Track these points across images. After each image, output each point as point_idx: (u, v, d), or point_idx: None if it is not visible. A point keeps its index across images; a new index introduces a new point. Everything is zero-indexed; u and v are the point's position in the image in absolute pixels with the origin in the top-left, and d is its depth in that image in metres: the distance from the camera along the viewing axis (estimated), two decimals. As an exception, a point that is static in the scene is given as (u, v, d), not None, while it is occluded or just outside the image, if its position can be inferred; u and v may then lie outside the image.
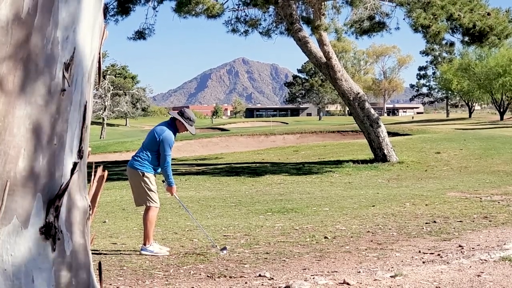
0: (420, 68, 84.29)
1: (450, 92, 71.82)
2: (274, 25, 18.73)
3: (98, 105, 62.59)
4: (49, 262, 2.00)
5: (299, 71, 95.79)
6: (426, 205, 9.22)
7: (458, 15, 15.55)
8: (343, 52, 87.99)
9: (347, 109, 40.27)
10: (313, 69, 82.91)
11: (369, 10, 16.91)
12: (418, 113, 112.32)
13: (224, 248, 6.15)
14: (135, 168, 6.27)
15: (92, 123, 40.22)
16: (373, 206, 9.27)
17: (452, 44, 20.87)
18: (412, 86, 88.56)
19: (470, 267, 4.96)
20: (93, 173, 2.51)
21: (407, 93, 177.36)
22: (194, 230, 7.46)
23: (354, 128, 29.15)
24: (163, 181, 6.56)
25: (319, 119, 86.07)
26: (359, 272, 5.03)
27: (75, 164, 2.10)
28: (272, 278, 4.97)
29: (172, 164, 6.42)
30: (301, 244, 6.53)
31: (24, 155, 1.91)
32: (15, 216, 1.91)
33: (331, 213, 8.71)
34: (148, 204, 6.26)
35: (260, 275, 5.09)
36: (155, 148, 6.27)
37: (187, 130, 6.44)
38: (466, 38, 16.77)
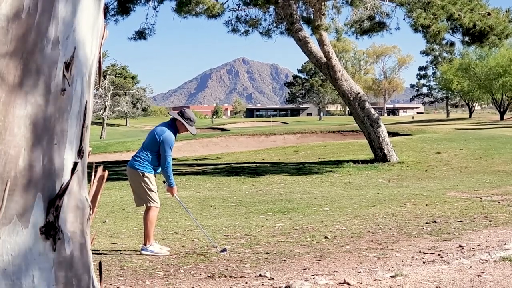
0: (420, 68, 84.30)
1: (450, 92, 71.82)
2: (274, 25, 18.72)
3: (98, 105, 62.60)
4: (49, 262, 2.00)
5: (299, 71, 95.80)
6: (426, 205, 9.22)
7: (458, 15, 15.55)
8: (343, 52, 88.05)
9: (347, 109, 40.25)
10: (313, 69, 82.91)
11: (369, 10, 16.91)
12: (418, 113, 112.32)
13: (224, 250, 6.14)
14: (135, 168, 6.27)
15: (92, 123, 40.20)
16: (374, 206, 9.27)
17: (452, 44, 20.85)
18: (412, 86, 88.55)
19: (471, 267, 4.96)
20: (93, 173, 2.51)
21: (407, 93, 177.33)
22: (194, 230, 7.46)
23: (354, 128, 29.15)
24: (164, 182, 6.56)
25: (319, 119, 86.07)
26: (360, 272, 5.03)
27: (75, 164, 2.10)
28: (273, 278, 4.97)
29: (172, 164, 6.41)
30: (301, 244, 6.53)
31: (24, 154, 1.91)
32: (15, 216, 1.91)
33: (331, 213, 8.71)
34: (148, 204, 6.26)
35: (260, 275, 5.09)
36: (155, 149, 6.26)
37: (187, 130, 6.43)
38: (466, 38, 16.76)
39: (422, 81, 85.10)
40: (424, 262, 5.37)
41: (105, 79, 62.63)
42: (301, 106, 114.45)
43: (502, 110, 59.06)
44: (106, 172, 2.60)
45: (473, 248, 5.88)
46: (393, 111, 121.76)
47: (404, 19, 16.10)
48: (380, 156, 17.10)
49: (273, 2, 16.31)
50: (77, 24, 2.06)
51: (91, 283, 2.20)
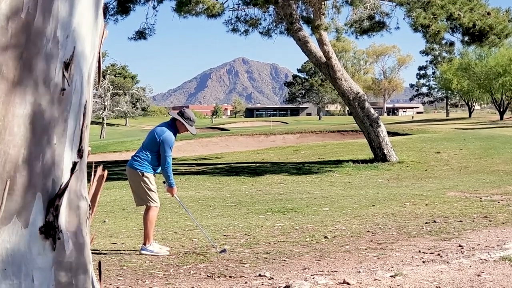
0: (420, 68, 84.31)
1: (450, 91, 71.83)
2: (274, 24, 18.72)
3: (98, 104, 62.59)
4: (49, 262, 2.00)
5: (299, 70, 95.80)
6: (426, 204, 9.22)
7: (458, 14, 15.55)
8: (343, 51, 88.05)
9: (347, 108, 40.29)
10: (313, 68, 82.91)
11: (369, 9, 16.91)
12: (418, 112, 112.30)
13: (224, 250, 6.13)
14: (134, 168, 6.27)
15: (92, 122, 40.23)
16: (373, 205, 9.27)
17: (452, 43, 20.87)
18: (412, 85, 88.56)
19: (470, 266, 4.96)
20: (93, 173, 2.51)
21: (407, 92, 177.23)
22: (194, 229, 7.46)
23: (354, 128, 29.15)
24: (164, 182, 6.56)
25: (319, 118, 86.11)
26: (359, 271, 5.03)
27: (75, 164, 2.10)
28: (272, 278, 4.97)
29: (172, 164, 6.42)
30: (301, 243, 6.52)
31: (24, 154, 1.91)
32: (15, 216, 1.91)
33: (331, 212, 8.71)
34: (148, 204, 6.26)
35: (260, 275, 5.09)
36: (155, 149, 6.26)
37: (187, 130, 6.43)
38: (466, 38, 16.77)
39: (422, 81, 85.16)
40: (423, 262, 5.38)
41: (105, 79, 62.62)
42: (301, 106, 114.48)
43: (501, 109, 59.08)
44: (106, 172, 2.60)
45: (472, 248, 5.88)
46: (392, 111, 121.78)
47: (403, 18, 16.12)
48: (379, 156, 17.11)
49: (273, 1, 16.31)
50: (77, 24, 2.06)
51: (90, 283, 2.20)
